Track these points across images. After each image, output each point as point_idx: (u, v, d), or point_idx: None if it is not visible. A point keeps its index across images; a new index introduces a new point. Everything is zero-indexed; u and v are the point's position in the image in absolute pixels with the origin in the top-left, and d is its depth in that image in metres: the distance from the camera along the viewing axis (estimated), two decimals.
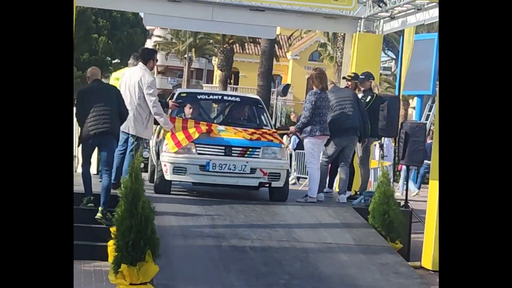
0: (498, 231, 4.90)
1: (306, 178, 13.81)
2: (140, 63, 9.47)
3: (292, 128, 10.27)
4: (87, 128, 8.71)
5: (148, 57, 9.50)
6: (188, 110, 10.38)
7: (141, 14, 14.61)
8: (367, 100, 10.58)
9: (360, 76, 10.83)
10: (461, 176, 5.09)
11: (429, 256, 8.98)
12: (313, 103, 9.79)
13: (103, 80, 9.49)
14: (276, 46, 38.30)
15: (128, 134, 9.33)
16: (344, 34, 15.44)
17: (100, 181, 9.22)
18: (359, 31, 12.61)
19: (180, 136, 9.53)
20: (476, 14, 5.21)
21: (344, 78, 11.36)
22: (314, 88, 9.93)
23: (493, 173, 4.99)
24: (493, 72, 5.12)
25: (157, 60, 9.70)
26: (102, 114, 8.70)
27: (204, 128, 9.66)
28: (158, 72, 65.70)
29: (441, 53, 5.41)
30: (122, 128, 9.18)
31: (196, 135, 9.51)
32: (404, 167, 15.21)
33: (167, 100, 10.55)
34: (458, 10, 5.29)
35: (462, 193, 5.07)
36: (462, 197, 5.04)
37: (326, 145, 10.16)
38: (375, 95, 10.64)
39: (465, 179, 5.06)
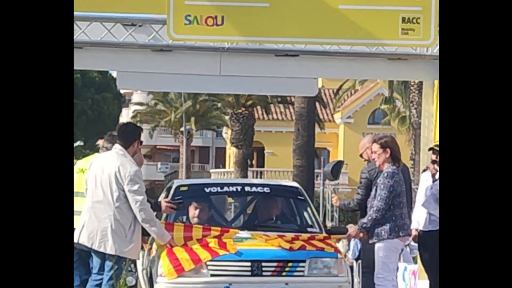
0: None
1: None
2: (118, 146, 9.52)
3: (353, 229, 10.31)
4: None
5: (130, 137, 9.61)
6: (193, 212, 10.54)
7: (113, 73, 14.88)
8: None
9: None
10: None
11: None
12: (391, 189, 9.85)
13: None
14: (318, 105, 38.66)
15: (105, 254, 9.34)
16: (421, 82, 15.53)
17: None
18: None
19: (181, 254, 9.66)
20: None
21: (430, 149, 11.13)
22: (385, 165, 9.95)
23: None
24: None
25: (141, 142, 9.81)
26: None
27: (215, 241, 9.81)
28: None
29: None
30: (95, 246, 9.30)
31: (208, 256, 9.66)
32: None
33: (159, 199, 10.71)
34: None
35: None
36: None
37: None
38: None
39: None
